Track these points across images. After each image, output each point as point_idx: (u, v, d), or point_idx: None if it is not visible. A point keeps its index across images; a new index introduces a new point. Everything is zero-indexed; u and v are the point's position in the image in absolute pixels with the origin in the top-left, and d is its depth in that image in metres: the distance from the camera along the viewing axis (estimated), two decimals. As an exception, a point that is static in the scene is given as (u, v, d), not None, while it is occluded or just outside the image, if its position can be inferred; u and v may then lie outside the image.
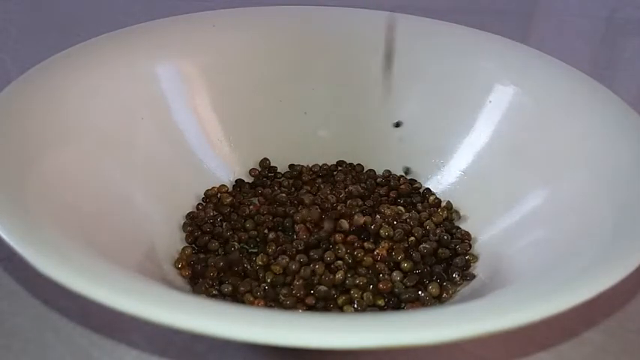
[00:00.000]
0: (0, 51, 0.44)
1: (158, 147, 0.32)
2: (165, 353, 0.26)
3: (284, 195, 0.32)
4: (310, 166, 0.35)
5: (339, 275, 0.28)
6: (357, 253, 0.29)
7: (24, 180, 0.24)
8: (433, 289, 0.28)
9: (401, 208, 0.32)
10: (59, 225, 0.23)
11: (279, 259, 0.28)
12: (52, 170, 0.26)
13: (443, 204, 0.33)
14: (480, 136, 0.34)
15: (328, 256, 0.28)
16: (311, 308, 0.27)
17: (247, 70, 0.35)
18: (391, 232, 0.30)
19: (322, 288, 0.27)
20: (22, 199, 0.23)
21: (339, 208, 0.31)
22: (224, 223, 0.31)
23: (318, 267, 0.28)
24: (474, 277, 0.29)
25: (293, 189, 0.34)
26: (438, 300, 0.28)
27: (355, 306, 0.27)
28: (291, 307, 0.27)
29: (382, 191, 0.34)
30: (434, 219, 0.32)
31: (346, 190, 0.33)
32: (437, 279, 0.28)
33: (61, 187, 0.26)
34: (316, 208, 0.31)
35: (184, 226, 0.31)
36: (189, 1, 0.37)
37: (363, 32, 0.37)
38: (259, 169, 0.35)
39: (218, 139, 0.34)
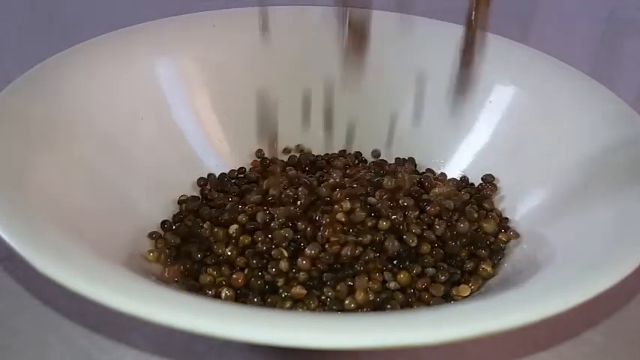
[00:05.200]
0: (0, 51, 0.44)
1: (158, 147, 0.32)
2: (165, 353, 0.26)
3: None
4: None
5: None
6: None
7: (24, 180, 0.24)
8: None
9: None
10: (59, 225, 0.23)
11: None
12: (52, 170, 0.26)
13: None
14: (480, 136, 0.34)
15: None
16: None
17: (247, 69, 0.35)
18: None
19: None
20: (22, 199, 0.23)
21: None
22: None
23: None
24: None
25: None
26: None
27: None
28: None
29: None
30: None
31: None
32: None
33: (61, 187, 0.26)
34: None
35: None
36: (190, 1, 0.37)
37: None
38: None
39: (218, 139, 0.34)
